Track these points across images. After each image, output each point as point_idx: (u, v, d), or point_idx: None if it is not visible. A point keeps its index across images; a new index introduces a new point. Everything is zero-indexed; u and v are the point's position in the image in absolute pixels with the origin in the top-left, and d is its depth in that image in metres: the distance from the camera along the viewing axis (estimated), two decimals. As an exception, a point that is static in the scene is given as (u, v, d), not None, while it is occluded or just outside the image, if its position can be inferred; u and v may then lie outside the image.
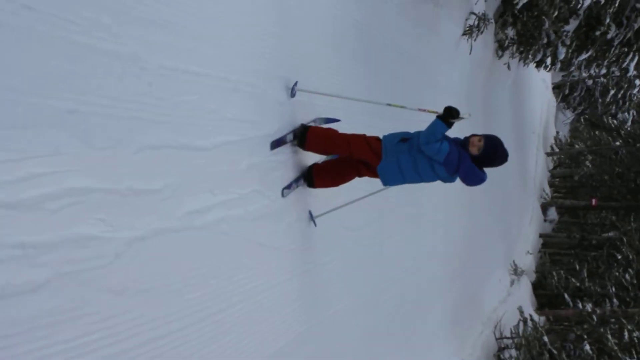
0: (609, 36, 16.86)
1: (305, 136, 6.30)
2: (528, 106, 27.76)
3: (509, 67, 18.49)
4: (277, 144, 6.02)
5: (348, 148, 6.23)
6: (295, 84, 6.37)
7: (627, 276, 20.97)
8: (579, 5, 16.37)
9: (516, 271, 20.17)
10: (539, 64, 20.35)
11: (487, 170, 5.94)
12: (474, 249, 15.57)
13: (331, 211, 6.91)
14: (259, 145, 5.73)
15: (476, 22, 14.20)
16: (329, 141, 6.34)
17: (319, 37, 7.36)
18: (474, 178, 5.90)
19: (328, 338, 7.13)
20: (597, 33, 17.00)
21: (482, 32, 14.47)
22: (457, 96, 14.05)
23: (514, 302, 17.97)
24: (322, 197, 6.89)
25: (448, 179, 6.01)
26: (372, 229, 8.61)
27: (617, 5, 14.57)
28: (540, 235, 27.90)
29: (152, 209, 4.25)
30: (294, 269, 6.40)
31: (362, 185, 7.06)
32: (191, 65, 4.78)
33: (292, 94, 6.35)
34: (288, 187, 6.25)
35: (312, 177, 6.55)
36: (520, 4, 12.00)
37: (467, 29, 14.09)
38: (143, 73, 4.23)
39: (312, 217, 6.76)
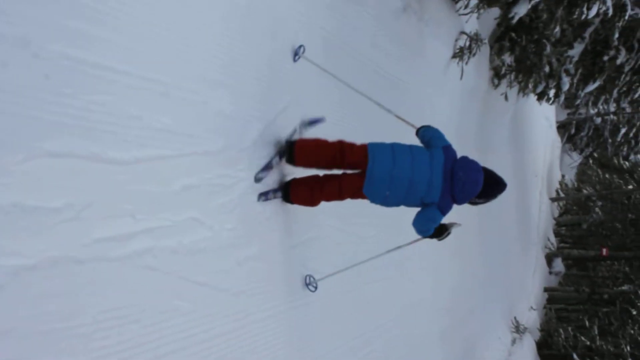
0: (618, 61, 16.57)
1: (293, 150, 6.21)
2: (530, 146, 27.43)
3: (506, 98, 18.11)
4: (265, 169, 6.13)
5: (340, 149, 6.09)
6: (300, 47, 6.71)
7: (643, 334, 20.52)
8: (584, 29, 16.16)
9: (518, 329, 19.64)
10: (540, 97, 20.03)
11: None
12: (470, 303, 15.08)
13: (335, 274, 7.08)
14: (197, 163, 5.23)
15: (467, 43, 13.82)
16: (319, 147, 6.20)
17: (280, 48, 6.89)
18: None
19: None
20: (606, 58, 16.70)
21: (474, 55, 14.09)
22: (446, 129, 13.61)
23: (516, 364, 17.42)
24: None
25: (435, 191, 5.80)
26: (348, 273, 8.06)
27: (626, 20, 14.26)
28: (545, 290, 27.44)
29: (48, 232, 3.74)
30: (244, 317, 5.84)
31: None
32: (106, 59, 4.29)
33: (296, 59, 6.71)
34: (265, 194, 6.18)
35: (288, 190, 6.41)
36: (516, 18, 11.61)
37: (458, 50, 13.69)
38: (37, 62, 3.74)
39: (309, 282, 6.92)
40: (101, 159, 4.18)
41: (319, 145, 6.21)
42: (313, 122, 6.67)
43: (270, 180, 6.31)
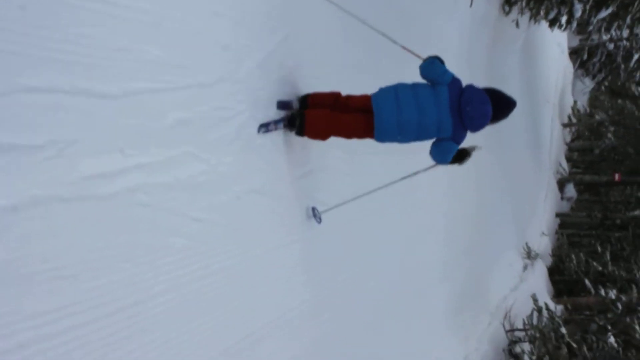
0: (633, -12, 16.07)
1: (305, 102, 6.29)
2: (541, 72, 26.99)
3: (517, 25, 17.69)
4: (283, 106, 6.18)
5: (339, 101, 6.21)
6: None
7: (656, 258, 20.34)
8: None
9: (530, 254, 19.53)
10: (552, 23, 19.57)
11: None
12: (481, 229, 14.93)
13: (339, 205, 6.94)
14: (192, 96, 4.98)
15: (477, -31, 13.42)
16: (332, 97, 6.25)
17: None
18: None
19: (288, 339, 6.46)
20: (619, -18, 16.20)
21: (484, -19, 13.71)
22: (456, 58, 13.29)
23: (527, 290, 17.32)
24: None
25: (446, 127, 5.83)
26: (355, 203, 7.85)
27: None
28: (557, 215, 27.26)
29: (29, 170, 3.53)
30: (244, 252, 5.68)
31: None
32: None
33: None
34: (265, 125, 6.01)
35: (303, 120, 6.16)
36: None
37: (467, -24, 13.31)
38: (8, -9, 3.49)
39: (315, 214, 6.77)
40: (87, 93, 3.93)
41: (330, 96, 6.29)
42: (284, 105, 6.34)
43: (271, 113, 6.08)
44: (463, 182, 13.20)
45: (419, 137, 5.89)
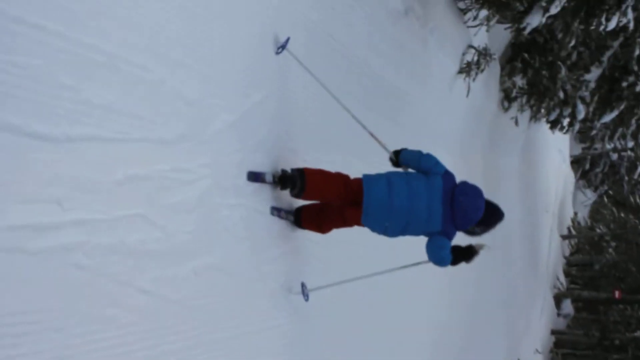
0: (638, 88, 16.06)
1: (304, 178, 6.17)
2: (541, 178, 27.01)
3: (516, 122, 17.67)
4: (255, 178, 6.09)
5: (344, 183, 6.27)
6: (287, 41, 6.47)
7: (656, 384, 19.90)
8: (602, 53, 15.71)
9: (522, 374, 19.04)
10: (554, 125, 19.59)
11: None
12: (470, 341, 14.51)
13: (331, 285, 6.85)
14: (147, 152, 4.68)
15: (475, 58, 13.34)
16: (327, 179, 6.31)
17: (259, 33, 6.40)
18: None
19: None
20: (624, 84, 16.22)
21: (482, 71, 13.63)
22: (451, 151, 13.15)
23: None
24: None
25: (436, 219, 5.90)
26: (329, 293, 7.53)
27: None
28: (553, 332, 26.88)
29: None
30: (199, 335, 5.26)
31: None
32: (32, 13, 3.73)
33: (278, 51, 6.51)
34: (277, 210, 6.40)
35: (300, 215, 6.66)
36: (529, 29, 11.10)
37: (465, 65, 13.22)
38: None
39: (304, 290, 6.67)
40: (20, 132, 3.61)
41: (326, 175, 6.35)
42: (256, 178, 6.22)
43: (240, 182, 5.82)
44: (454, 288, 12.88)
45: (407, 226, 5.91)
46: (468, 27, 13.19)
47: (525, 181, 22.99)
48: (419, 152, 6.10)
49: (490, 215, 5.97)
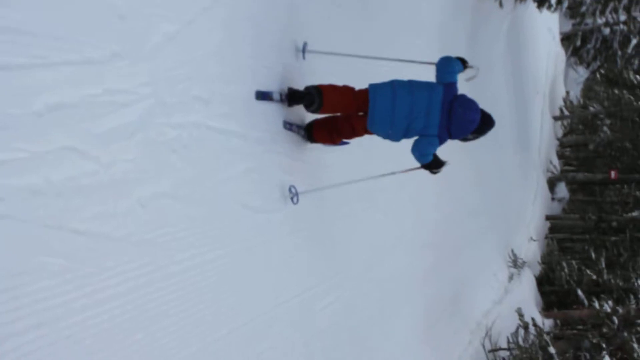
0: (628, -40, 15.55)
1: (321, 96, 6.77)
2: (530, 60, 26.57)
3: (500, 4, 17.13)
4: (262, 97, 6.57)
5: (353, 95, 6.89)
6: (305, 45, 7.23)
7: (656, 265, 19.88)
8: None
9: (516, 263, 18.99)
10: (541, 3, 19.08)
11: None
12: (461, 234, 14.35)
13: (320, 189, 7.32)
14: (72, 76, 4.23)
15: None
16: (341, 95, 6.90)
17: None
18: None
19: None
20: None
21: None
22: (434, 43, 12.74)
23: (512, 303, 16.78)
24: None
25: (433, 124, 6.53)
26: (304, 207, 7.31)
27: None
28: (547, 218, 26.82)
29: None
30: (149, 272, 4.92)
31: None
32: None
33: (303, 55, 7.27)
34: (289, 124, 7.01)
35: (311, 130, 7.30)
36: None
37: (442, -52, 12.66)
38: None
39: (294, 193, 7.01)
40: None
41: (344, 91, 6.93)
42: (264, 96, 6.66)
43: (186, 98, 5.37)
44: (442, 181, 12.60)
45: (407, 131, 6.59)
46: None
47: (513, 65, 22.56)
48: (449, 58, 6.78)
49: (483, 124, 6.56)
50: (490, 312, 15.53)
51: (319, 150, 7.73)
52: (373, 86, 6.65)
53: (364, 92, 6.70)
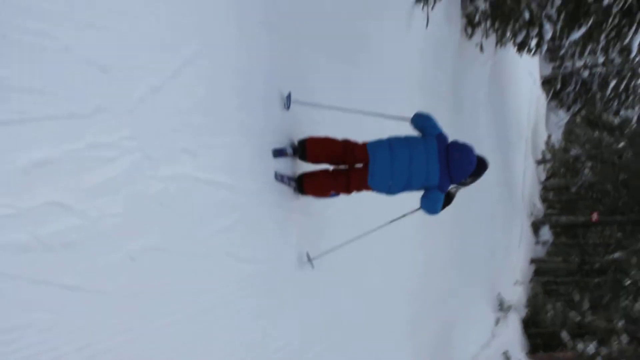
0: (605, 1, 15.62)
1: (305, 147, 7.07)
2: (512, 104, 26.66)
3: (481, 49, 17.22)
4: (279, 154, 7.02)
5: (343, 146, 7.09)
6: (289, 95, 7.28)
7: (637, 305, 19.80)
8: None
9: (502, 306, 18.94)
10: (521, 47, 19.19)
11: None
12: (448, 279, 14.28)
13: (331, 251, 7.55)
14: (56, 131, 4.16)
15: (433, -14, 12.82)
16: (328, 143, 7.12)
17: None
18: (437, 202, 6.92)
19: None
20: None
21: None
22: (414, 88, 12.72)
23: (499, 346, 16.74)
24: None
25: (434, 175, 6.74)
26: (295, 259, 7.31)
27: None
28: (532, 261, 26.82)
29: None
30: (143, 325, 4.84)
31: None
32: None
33: (287, 106, 7.31)
34: (281, 176, 7.09)
35: (302, 182, 7.30)
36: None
37: (422, -7, 12.69)
38: None
39: (309, 259, 7.38)
40: None
41: (328, 141, 7.13)
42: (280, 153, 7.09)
43: (174, 151, 5.31)
44: (429, 229, 12.55)
45: (408, 184, 6.76)
46: (423, -48, 12.62)
47: (496, 108, 22.62)
48: (423, 114, 6.97)
49: (478, 167, 6.80)
50: (478, 356, 15.44)
51: (307, 202, 7.68)
52: (371, 145, 6.86)
53: (361, 148, 6.91)
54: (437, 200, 6.83)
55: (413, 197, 7.12)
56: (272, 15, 7.21)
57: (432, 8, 12.93)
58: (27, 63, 4.00)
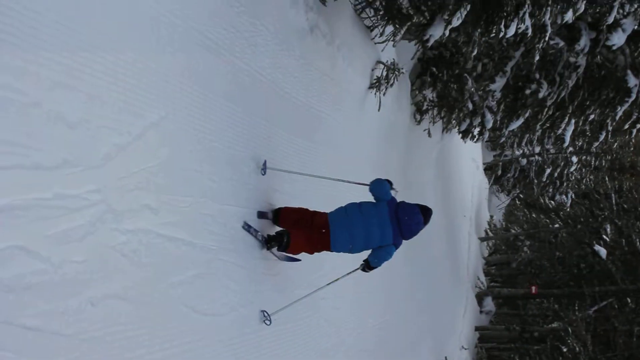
0: (540, 94, 15.79)
1: (278, 214, 7.54)
2: (457, 186, 26.76)
3: (429, 134, 17.30)
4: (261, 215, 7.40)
5: (311, 216, 7.47)
6: (265, 163, 7.58)
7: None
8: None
9: (449, 371, 18.62)
10: (465, 135, 19.30)
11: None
12: (397, 341, 14.01)
13: (289, 305, 7.53)
14: (21, 180, 4.03)
15: (384, 73, 12.85)
16: (299, 213, 7.55)
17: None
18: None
19: None
20: (528, 92, 15.94)
21: (392, 85, 13.15)
22: (367, 165, 12.65)
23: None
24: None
25: (387, 235, 7.15)
26: (249, 316, 7.06)
27: (546, 46, 13.47)
28: (477, 329, 26.64)
29: None
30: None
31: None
32: None
33: (263, 172, 7.58)
34: (248, 226, 7.10)
35: (288, 239, 7.28)
36: (432, 41, 10.57)
37: (375, 80, 12.72)
38: None
39: (266, 316, 7.26)
40: None
41: (297, 212, 7.57)
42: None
43: (134, 205, 5.16)
44: (379, 291, 12.37)
45: (366, 244, 7.17)
46: (375, 43, 12.65)
47: (442, 189, 22.67)
48: (379, 181, 7.45)
49: (425, 217, 7.25)
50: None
51: (265, 262, 7.52)
52: (331, 215, 7.27)
53: (323, 217, 7.30)
54: (389, 253, 7.25)
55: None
56: (234, 90, 7.14)
57: (384, 94, 12.96)
58: (-3, 115, 3.88)
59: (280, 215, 7.56)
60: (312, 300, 8.76)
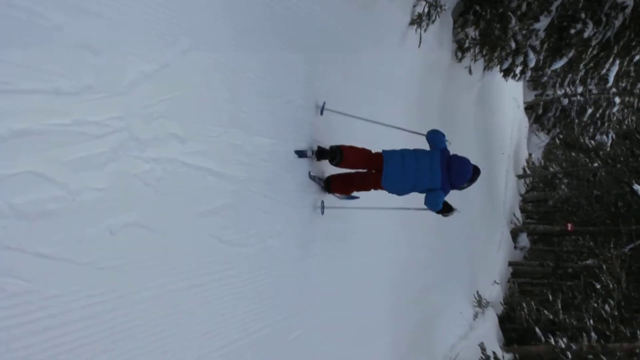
0: (585, 34, 15.24)
1: (342, 154, 7.49)
2: (497, 123, 26.27)
3: (470, 71, 16.85)
4: (300, 154, 7.42)
5: (369, 156, 7.59)
6: (324, 104, 7.88)
7: (607, 307, 19.34)
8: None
9: (481, 303, 18.47)
10: (506, 73, 18.84)
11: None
12: (430, 275, 13.87)
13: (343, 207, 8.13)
14: (41, 105, 3.82)
15: (426, 10, 12.43)
16: (358, 154, 7.59)
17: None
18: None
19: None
20: (572, 32, 15.39)
21: (433, 22, 12.74)
22: (406, 102, 12.35)
23: (476, 338, 16.27)
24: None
25: (436, 180, 7.23)
26: (280, 247, 6.88)
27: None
28: (510, 264, 26.35)
29: None
30: (117, 297, 4.46)
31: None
32: None
33: (321, 113, 7.91)
34: (312, 176, 7.72)
35: (329, 183, 7.94)
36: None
37: (416, 17, 12.31)
38: None
39: (322, 207, 7.87)
40: None
41: (361, 150, 7.60)
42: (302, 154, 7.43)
43: (161, 134, 4.94)
44: (414, 227, 12.15)
45: (415, 187, 7.28)
46: (418, -22, 12.26)
47: (482, 126, 22.25)
48: (436, 131, 7.60)
49: (473, 174, 7.40)
50: (455, 346, 15.00)
51: (295, 192, 7.31)
52: (386, 153, 7.38)
53: (379, 155, 7.42)
54: (438, 196, 7.27)
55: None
56: (268, 21, 6.86)
57: (425, 31, 12.56)
58: (17, 38, 3.67)
59: (344, 154, 7.54)
60: (344, 234, 8.62)
